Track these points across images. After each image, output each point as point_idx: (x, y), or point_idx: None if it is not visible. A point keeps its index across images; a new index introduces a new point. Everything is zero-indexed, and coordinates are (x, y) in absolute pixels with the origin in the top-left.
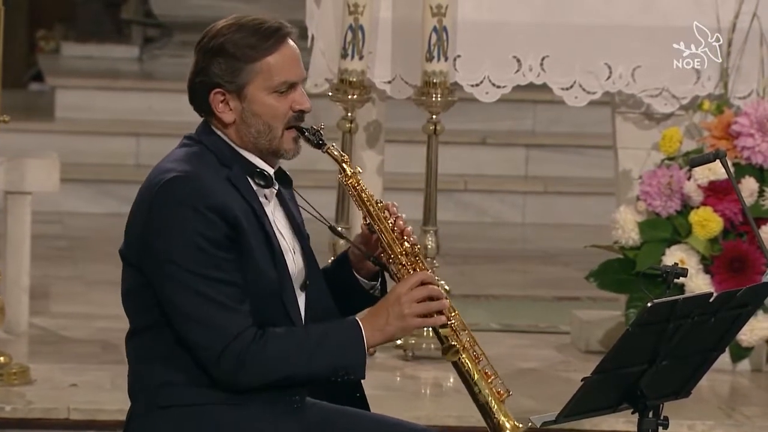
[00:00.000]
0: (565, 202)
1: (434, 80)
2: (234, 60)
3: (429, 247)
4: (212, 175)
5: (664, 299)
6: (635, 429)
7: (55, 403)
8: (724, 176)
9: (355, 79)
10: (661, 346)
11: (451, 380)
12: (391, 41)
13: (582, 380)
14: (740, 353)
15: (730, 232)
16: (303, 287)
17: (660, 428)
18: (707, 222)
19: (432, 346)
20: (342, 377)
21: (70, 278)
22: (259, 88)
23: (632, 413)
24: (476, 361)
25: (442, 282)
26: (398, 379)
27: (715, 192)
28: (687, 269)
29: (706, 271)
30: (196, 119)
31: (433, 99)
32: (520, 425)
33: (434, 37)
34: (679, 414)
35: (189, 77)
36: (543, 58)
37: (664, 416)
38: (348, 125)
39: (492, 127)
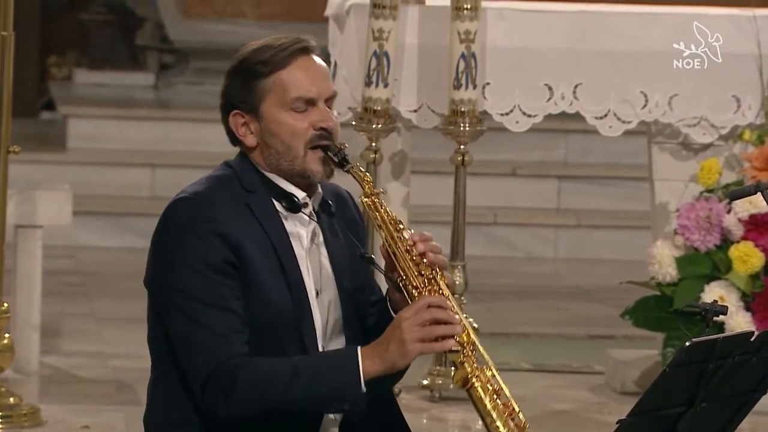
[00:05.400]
0: (598, 236)
1: (462, 109)
2: (247, 77)
3: (457, 282)
4: (226, 200)
5: (703, 338)
6: None
7: None
8: (766, 209)
9: (379, 108)
10: (700, 388)
11: (480, 423)
12: (417, 68)
13: (617, 422)
14: None
15: None
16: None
17: None
18: (748, 257)
19: None
20: (338, 410)
21: (82, 315)
22: (273, 105)
23: None
24: (492, 392)
25: (471, 319)
26: (425, 420)
27: (756, 226)
28: (727, 307)
29: (747, 308)
30: (213, 149)
31: (461, 128)
32: None
33: (462, 64)
34: None
35: None
36: (576, 86)
37: None
38: (372, 155)
39: (522, 158)
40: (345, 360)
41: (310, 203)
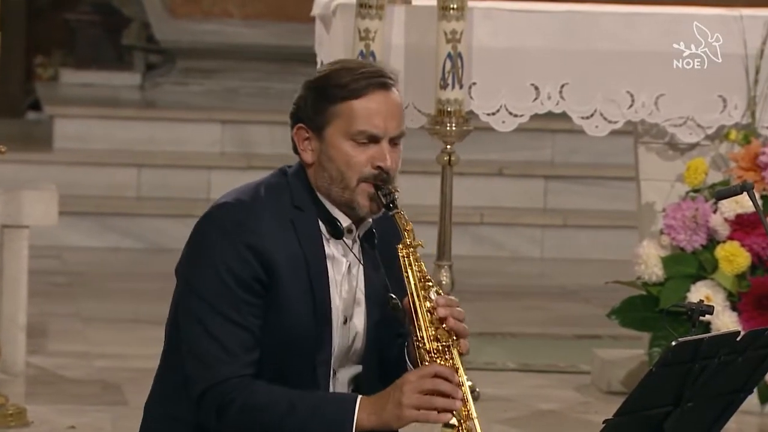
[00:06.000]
0: (585, 236)
1: (449, 109)
2: (320, 97)
3: (443, 282)
4: (272, 213)
5: (688, 338)
6: None
7: None
8: (752, 209)
9: None
10: (686, 387)
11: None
12: (403, 68)
13: (603, 422)
14: None
15: (758, 267)
16: (349, 361)
17: None
18: (734, 257)
19: None
20: None
21: (68, 315)
22: (337, 131)
23: None
24: None
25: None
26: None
27: (743, 226)
28: (713, 306)
29: (733, 308)
30: (199, 149)
31: (448, 128)
32: None
33: (449, 64)
34: None
35: None
36: (562, 86)
37: None
38: None
39: (509, 158)
40: (342, 407)
41: (354, 231)
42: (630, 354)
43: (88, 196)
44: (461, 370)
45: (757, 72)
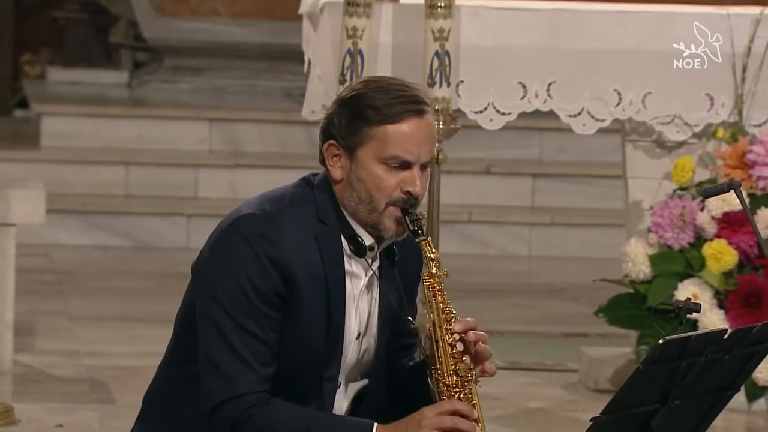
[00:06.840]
0: (572, 234)
1: (436, 107)
2: (354, 117)
3: None
4: (297, 227)
5: (676, 336)
6: None
7: None
8: (739, 207)
9: None
10: (673, 385)
11: None
12: (391, 66)
13: (591, 420)
14: (756, 392)
15: (745, 265)
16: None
17: None
18: (721, 255)
19: None
20: None
21: (56, 314)
22: (370, 153)
23: None
24: None
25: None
26: None
27: (730, 224)
28: (700, 304)
29: (721, 306)
30: (187, 147)
31: (435, 126)
32: None
33: (436, 62)
34: None
35: None
36: (549, 84)
37: None
38: None
39: (497, 156)
40: None
41: (376, 249)
42: (617, 352)
43: (75, 194)
44: (478, 405)
45: (744, 70)
